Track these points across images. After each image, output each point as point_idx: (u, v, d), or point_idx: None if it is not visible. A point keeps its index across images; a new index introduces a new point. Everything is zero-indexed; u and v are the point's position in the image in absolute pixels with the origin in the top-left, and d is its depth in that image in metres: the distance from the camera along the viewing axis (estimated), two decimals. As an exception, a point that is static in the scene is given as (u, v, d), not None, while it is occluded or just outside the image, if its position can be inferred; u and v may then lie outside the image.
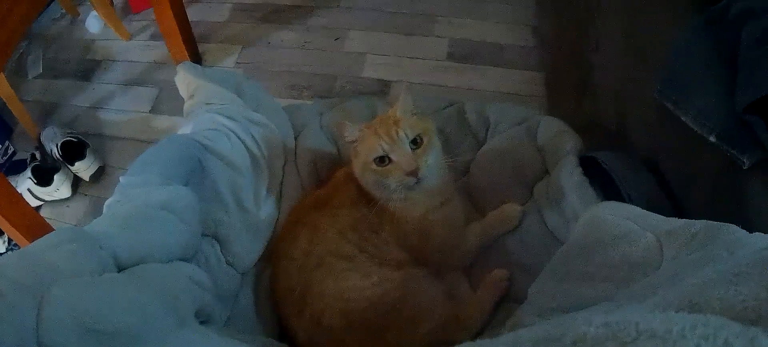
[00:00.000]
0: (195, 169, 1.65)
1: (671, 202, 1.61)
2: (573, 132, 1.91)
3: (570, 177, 1.73)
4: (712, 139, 1.31)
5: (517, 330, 0.83)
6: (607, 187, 1.67)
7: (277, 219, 1.93)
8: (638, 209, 1.42)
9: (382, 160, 1.65)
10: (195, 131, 1.79)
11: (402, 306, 1.55)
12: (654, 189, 1.66)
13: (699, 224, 1.17)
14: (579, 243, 1.50)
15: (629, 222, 1.36)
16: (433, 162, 1.68)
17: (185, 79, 2.00)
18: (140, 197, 1.49)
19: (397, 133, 1.65)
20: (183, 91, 2.04)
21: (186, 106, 2.00)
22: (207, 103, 1.92)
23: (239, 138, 1.84)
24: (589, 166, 1.74)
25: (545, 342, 0.64)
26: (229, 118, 1.86)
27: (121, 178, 1.57)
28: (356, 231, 1.70)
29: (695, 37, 1.46)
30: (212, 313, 1.50)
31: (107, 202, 1.52)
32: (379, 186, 1.69)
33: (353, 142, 1.73)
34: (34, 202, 2.97)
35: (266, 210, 1.90)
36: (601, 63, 2.23)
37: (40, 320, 1.01)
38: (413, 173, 1.62)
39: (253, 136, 1.89)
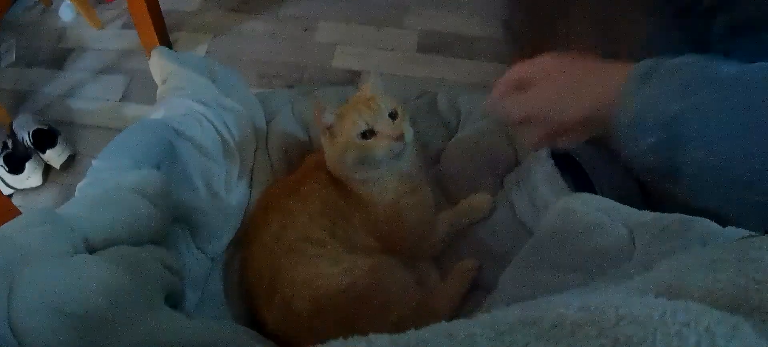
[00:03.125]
0: (166, 153, 1.65)
1: (642, 196, 1.63)
2: (545, 122, 1.92)
3: (541, 167, 1.75)
4: None
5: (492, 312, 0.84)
6: (578, 179, 1.69)
7: (248, 205, 1.94)
8: (610, 201, 1.43)
9: (365, 134, 1.67)
10: (167, 116, 1.79)
11: (372, 294, 1.57)
12: (625, 181, 1.67)
13: (671, 217, 1.19)
14: (550, 233, 1.51)
15: (601, 213, 1.38)
16: (411, 131, 1.72)
17: (159, 64, 2.00)
18: (112, 180, 1.50)
19: (378, 105, 1.68)
20: (156, 76, 2.04)
21: (159, 90, 2.00)
22: (180, 88, 1.92)
23: (211, 123, 1.84)
24: (561, 158, 1.76)
25: (523, 325, 0.64)
26: (201, 103, 1.86)
27: (93, 162, 1.57)
28: (327, 216, 1.72)
29: (665, 29, 1.47)
30: (182, 298, 1.51)
31: (79, 185, 1.53)
32: (364, 162, 1.71)
33: (330, 126, 1.74)
34: (5, 190, 2.95)
35: (237, 196, 1.90)
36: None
37: (10, 302, 1.02)
38: (400, 138, 1.65)
39: (225, 122, 1.89)
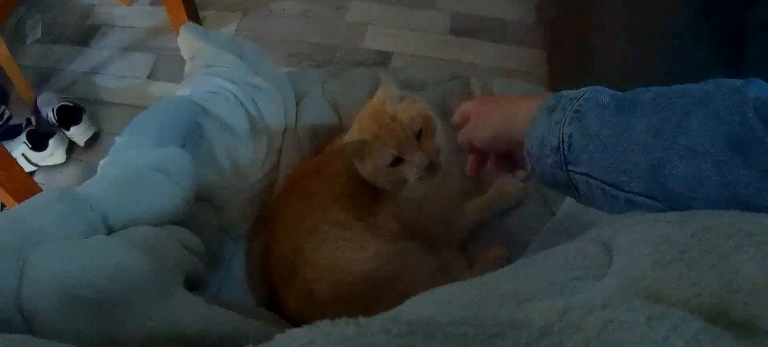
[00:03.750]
0: (192, 131, 1.62)
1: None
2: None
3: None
4: None
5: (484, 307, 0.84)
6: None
7: (274, 186, 1.91)
8: None
9: (393, 162, 1.64)
10: (193, 93, 1.76)
11: (395, 282, 1.53)
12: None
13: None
14: (567, 220, 1.48)
15: None
16: (440, 143, 1.68)
17: (187, 41, 1.97)
18: (134, 158, 1.47)
19: (404, 132, 1.63)
20: (184, 53, 2.01)
21: (186, 67, 1.98)
22: (207, 66, 1.89)
23: (239, 101, 1.81)
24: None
25: (512, 327, 0.63)
26: (229, 80, 1.82)
27: (116, 139, 1.54)
28: (351, 199, 1.70)
29: (694, 22, 1.45)
30: (202, 279, 1.47)
31: (101, 163, 1.50)
32: (396, 183, 1.69)
33: (355, 151, 1.71)
34: (28, 167, 2.94)
35: (263, 176, 1.87)
36: (603, 43, 2.21)
37: (21, 283, 0.98)
38: (429, 167, 1.62)
39: (253, 100, 1.86)
